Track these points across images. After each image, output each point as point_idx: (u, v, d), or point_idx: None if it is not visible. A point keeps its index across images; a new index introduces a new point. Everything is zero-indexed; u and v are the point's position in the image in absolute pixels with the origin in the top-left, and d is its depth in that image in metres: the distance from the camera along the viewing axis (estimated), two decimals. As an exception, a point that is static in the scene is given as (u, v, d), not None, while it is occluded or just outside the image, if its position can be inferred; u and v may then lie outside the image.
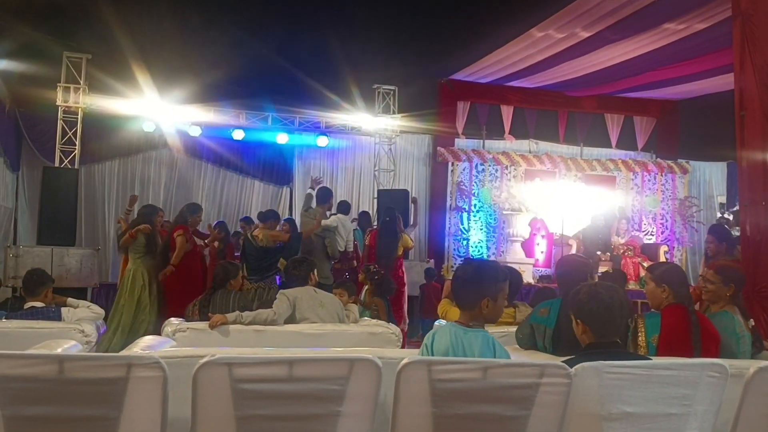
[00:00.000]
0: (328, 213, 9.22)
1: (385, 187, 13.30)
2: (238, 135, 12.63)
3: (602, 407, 2.75)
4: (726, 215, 12.31)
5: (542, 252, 12.81)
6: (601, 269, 10.05)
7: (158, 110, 11.83)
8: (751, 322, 4.02)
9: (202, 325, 4.97)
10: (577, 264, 4.47)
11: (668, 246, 13.45)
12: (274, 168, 13.58)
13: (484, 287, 3.00)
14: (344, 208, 9.69)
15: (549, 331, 3.91)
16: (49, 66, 11.00)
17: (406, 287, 9.61)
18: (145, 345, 4.05)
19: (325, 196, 9.23)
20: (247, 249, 8.45)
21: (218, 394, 2.56)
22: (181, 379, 2.64)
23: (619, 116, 14.79)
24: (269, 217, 8.86)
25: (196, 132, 12.34)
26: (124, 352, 3.71)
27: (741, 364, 3.27)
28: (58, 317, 5.07)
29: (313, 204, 9.15)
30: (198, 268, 8.22)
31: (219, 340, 4.81)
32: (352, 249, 9.41)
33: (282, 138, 12.96)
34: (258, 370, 2.58)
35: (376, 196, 13.25)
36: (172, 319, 5.41)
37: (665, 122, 14.84)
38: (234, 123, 12.54)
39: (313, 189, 9.36)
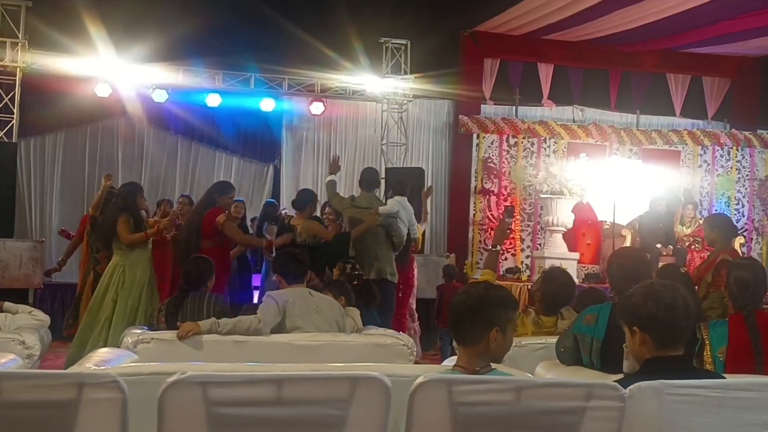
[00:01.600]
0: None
1: (395, 165, 13.29)
2: (214, 100, 12.63)
3: (663, 437, 2.74)
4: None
5: (589, 244, 12.79)
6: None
7: (115, 70, 11.82)
8: None
9: (170, 335, 4.98)
10: (635, 259, 4.44)
11: (745, 237, 13.42)
12: (258, 141, 13.61)
13: (493, 315, 2.98)
14: (373, 180, 9.26)
15: (597, 344, 3.90)
16: (-20, 16, 11.01)
17: (415, 288, 9.58)
18: (99, 359, 4.07)
19: (374, 178, 9.17)
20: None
21: (190, 420, 2.57)
22: (144, 402, 2.64)
23: (684, 77, 14.73)
24: (307, 201, 8.34)
25: (161, 97, 12.35)
26: (74, 369, 3.73)
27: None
28: (-8, 325, 5.09)
29: (351, 192, 9.06)
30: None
31: (191, 353, 4.82)
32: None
33: (267, 104, 12.97)
34: (239, 391, 2.58)
35: (383, 175, 13.25)
36: (133, 328, 5.43)
37: (742, 84, 14.77)
38: (208, 86, 12.55)
39: (334, 174, 9.15)
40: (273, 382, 2.61)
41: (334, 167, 9.09)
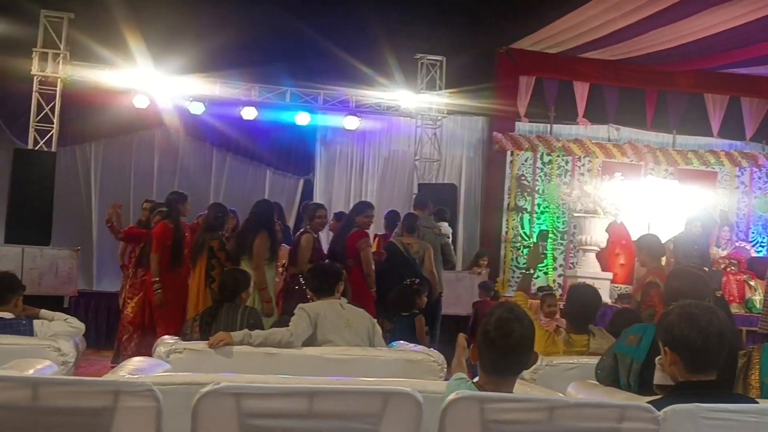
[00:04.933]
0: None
1: (428, 181, 13.29)
2: (249, 113, 12.71)
3: (697, 461, 2.72)
4: None
5: (622, 264, 12.69)
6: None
7: (152, 82, 11.97)
8: None
9: (202, 345, 5.00)
10: (693, 279, 4.36)
11: (782, 260, 13.24)
12: (292, 154, 13.68)
13: (533, 341, 2.97)
14: (426, 201, 10.03)
15: (636, 365, 3.84)
16: (23, 27, 11.19)
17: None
18: (133, 368, 4.09)
19: (428, 200, 9.95)
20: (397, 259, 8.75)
21: (223, 430, 2.58)
22: (178, 411, 2.67)
23: (722, 97, 14.59)
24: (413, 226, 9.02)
25: (198, 109, 12.47)
26: (108, 377, 3.77)
27: None
28: (29, 331, 5.13)
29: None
30: None
31: (222, 363, 4.84)
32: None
33: (302, 118, 13.03)
34: (272, 403, 2.60)
35: (416, 190, 13.26)
36: (166, 337, 5.46)
37: (781, 105, 14.61)
38: (244, 99, 12.64)
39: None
40: (305, 395, 2.62)
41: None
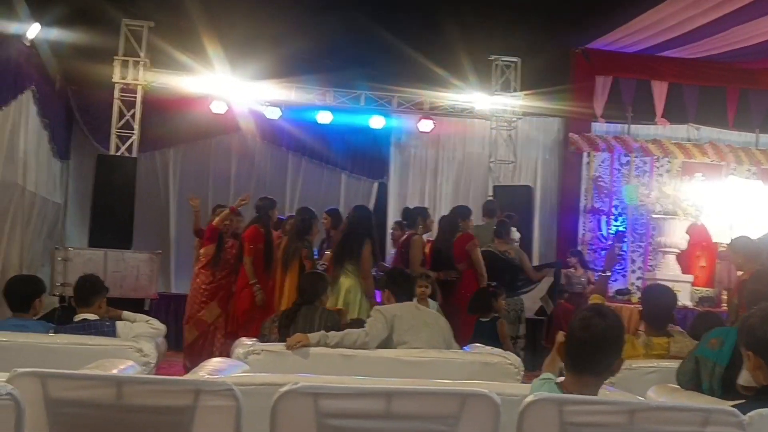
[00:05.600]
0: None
1: (503, 183, 13.21)
2: (325, 118, 12.83)
3: (784, 467, 2.64)
4: None
5: (703, 267, 12.43)
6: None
7: (230, 88, 12.16)
8: None
9: (279, 346, 5.07)
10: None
11: None
12: (366, 158, 13.74)
13: (620, 343, 2.93)
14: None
15: (719, 369, 3.76)
16: (105, 36, 11.41)
17: None
18: (213, 369, 4.17)
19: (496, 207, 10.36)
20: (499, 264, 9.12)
21: (301, 430, 2.61)
22: (256, 410, 2.71)
23: (807, 94, 14.18)
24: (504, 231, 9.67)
25: (274, 114, 12.60)
26: (189, 376, 3.83)
27: None
28: (112, 332, 5.27)
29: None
30: None
31: (299, 365, 4.90)
32: None
33: (377, 121, 13.08)
34: (349, 403, 2.62)
35: (491, 193, 13.19)
36: (244, 339, 5.55)
37: None
38: (319, 103, 12.76)
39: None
40: (383, 396, 2.63)
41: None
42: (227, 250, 8.82)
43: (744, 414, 2.64)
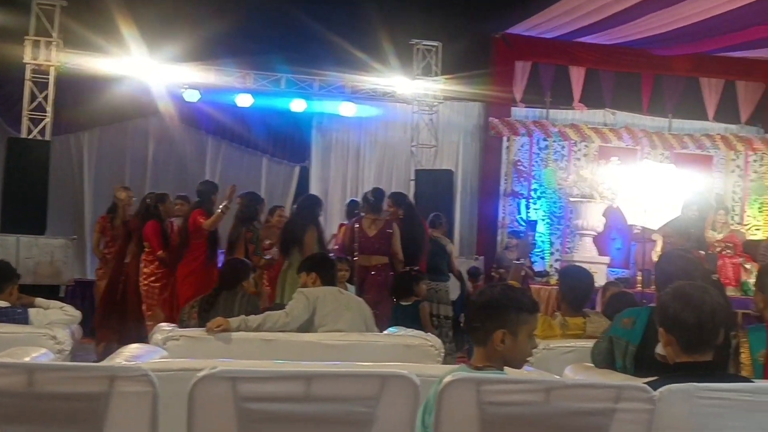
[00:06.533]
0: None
1: (425, 167, 13.29)
2: (244, 101, 12.70)
3: (693, 440, 2.73)
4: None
5: (618, 249, 12.73)
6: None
7: (147, 70, 11.90)
8: None
9: (199, 332, 5.01)
10: (683, 262, 4.37)
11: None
12: (287, 141, 13.66)
13: (501, 316, 2.92)
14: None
15: (632, 348, 3.86)
16: (15, 15, 11.11)
17: None
18: (129, 355, 4.11)
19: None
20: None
21: (219, 415, 2.59)
22: (174, 396, 2.68)
23: (718, 81, 14.59)
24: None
25: (193, 97, 12.43)
26: (106, 363, 3.77)
27: None
28: (24, 320, 5.15)
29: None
30: None
31: (219, 350, 4.84)
32: None
33: (298, 105, 13.00)
34: (269, 387, 2.60)
35: (413, 177, 13.26)
36: (163, 324, 5.48)
37: (776, 89, 14.63)
38: (239, 86, 12.60)
39: None
40: (302, 379, 2.63)
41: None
42: (172, 236, 8.70)
43: (654, 390, 2.71)
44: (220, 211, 8.32)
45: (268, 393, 2.60)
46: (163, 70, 11.99)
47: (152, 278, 8.63)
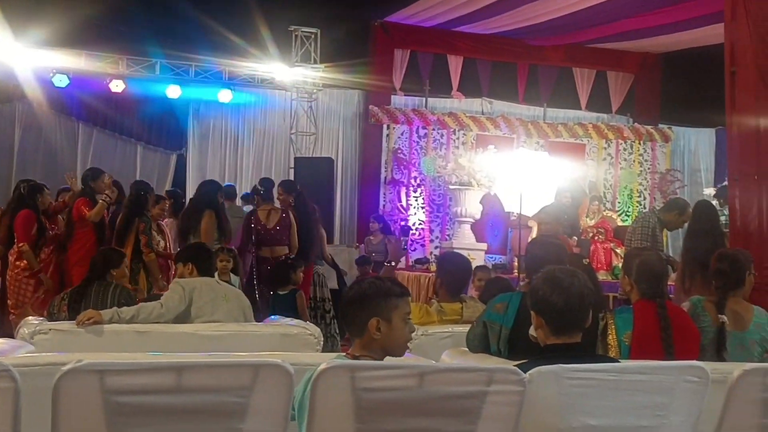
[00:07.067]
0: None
1: (304, 154, 13.24)
2: (117, 86, 12.38)
3: (561, 419, 2.82)
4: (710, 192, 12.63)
5: (496, 235, 12.97)
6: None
7: (12, 54, 11.49)
8: (723, 318, 4.19)
9: (69, 325, 4.86)
10: (551, 248, 4.51)
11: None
12: (163, 128, 13.43)
13: (371, 304, 2.99)
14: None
15: (505, 331, 3.96)
16: None
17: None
18: (-8, 350, 3.95)
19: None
20: None
21: (86, 410, 2.51)
22: (39, 392, 2.59)
23: (590, 71, 15.07)
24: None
25: (62, 82, 12.08)
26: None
27: (724, 367, 3.40)
28: None
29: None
30: None
31: (90, 343, 4.72)
32: None
33: (173, 91, 12.76)
34: (138, 379, 2.54)
35: (292, 165, 13.20)
36: (30, 318, 5.28)
37: (644, 79, 15.20)
38: (112, 72, 12.28)
39: None
40: (173, 370, 2.58)
41: None
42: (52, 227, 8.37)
43: (525, 372, 2.79)
44: (102, 201, 8.10)
45: (138, 386, 2.54)
46: (30, 54, 11.57)
47: (26, 273, 8.27)
